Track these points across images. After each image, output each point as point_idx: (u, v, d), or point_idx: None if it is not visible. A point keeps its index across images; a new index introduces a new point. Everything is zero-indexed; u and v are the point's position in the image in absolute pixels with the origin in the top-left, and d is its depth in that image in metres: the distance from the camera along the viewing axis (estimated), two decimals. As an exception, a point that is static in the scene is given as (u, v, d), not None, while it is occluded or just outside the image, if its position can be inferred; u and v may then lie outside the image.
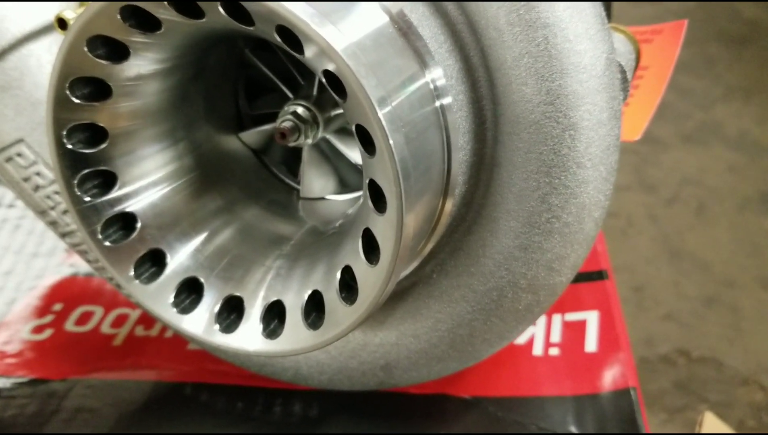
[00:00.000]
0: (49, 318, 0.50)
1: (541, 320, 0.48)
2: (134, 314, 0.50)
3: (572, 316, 0.48)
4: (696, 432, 0.58)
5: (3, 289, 0.52)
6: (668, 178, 1.18)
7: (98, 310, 0.51)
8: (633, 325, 0.92)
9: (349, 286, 0.32)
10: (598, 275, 0.51)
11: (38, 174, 0.41)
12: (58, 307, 0.51)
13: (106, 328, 0.49)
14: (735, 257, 1.04)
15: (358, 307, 0.32)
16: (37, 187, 0.41)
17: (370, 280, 0.31)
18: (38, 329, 0.49)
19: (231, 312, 0.35)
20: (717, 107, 1.30)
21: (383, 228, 0.30)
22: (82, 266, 0.54)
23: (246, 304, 0.35)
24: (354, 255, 0.32)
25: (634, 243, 1.07)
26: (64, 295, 0.52)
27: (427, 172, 0.31)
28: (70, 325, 0.50)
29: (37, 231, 0.56)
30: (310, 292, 0.33)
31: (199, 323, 0.35)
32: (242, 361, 0.44)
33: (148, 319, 0.50)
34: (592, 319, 0.48)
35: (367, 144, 0.28)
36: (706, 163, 1.22)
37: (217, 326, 0.35)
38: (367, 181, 0.30)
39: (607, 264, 0.52)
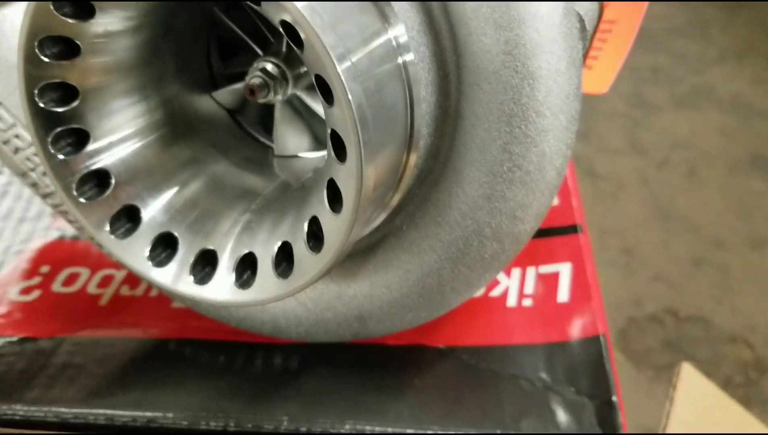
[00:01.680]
0: (36, 280, 0.51)
1: (516, 273, 0.50)
2: (119, 275, 0.52)
3: (546, 269, 0.49)
4: (673, 383, 0.59)
5: (-9, 253, 0.53)
6: (660, 142, 1.18)
7: (84, 272, 0.52)
8: (622, 286, 0.94)
9: (316, 236, 0.33)
10: (572, 229, 0.52)
11: (17, 136, 0.42)
12: (45, 269, 0.52)
13: (92, 289, 0.51)
14: (724, 219, 1.05)
15: (324, 255, 0.33)
16: (16, 150, 0.42)
17: (335, 228, 0.32)
18: (26, 290, 0.50)
19: (205, 265, 0.37)
20: (710, 70, 1.30)
21: (345, 177, 0.31)
22: (68, 230, 0.55)
23: (219, 256, 0.36)
24: (320, 205, 0.33)
25: (625, 206, 1.08)
26: (51, 258, 0.53)
27: (388, 123, 0.32)
28: (57, 286, 0.51)
29: (24, 196, 0.57)
30: (279, 243, 0.35)
31: (174, 276, 0.37)
32: (223, 316, 0.45)
33: (133, 279, 0.51)
34: (564, 271, 0.49)
35: (327, 94, 0.29)
36: (698, 127, 1.22)
37: (191, 278, 0.36)
38: (329, 132, 0.31)
39: (581, 218, 0.53)
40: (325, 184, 0.32)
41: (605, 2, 0.42)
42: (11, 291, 0.50)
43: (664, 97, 1.25)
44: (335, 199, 0.32)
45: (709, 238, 1.01)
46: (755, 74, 1.26)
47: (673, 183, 1.10)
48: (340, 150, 0.30)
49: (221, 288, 0.36)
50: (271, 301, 0.35)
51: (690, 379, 0.59)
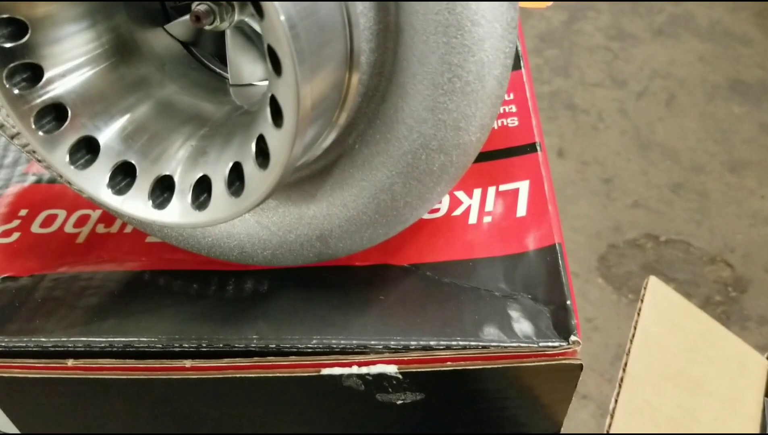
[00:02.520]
0: (15, 223, 0.53)
1: (477, 193, 0.51)
2: (95, 214, 0.53)
3: (505, 187, 0.51)
4: (641, 295, 0.61)
5: (-31, 200, 0.54)
6: (639, 73, 1.18)
7: (61, 213, 0.53)
8: (602, 214, 0.95)
9: (263, 153, 0.35)
10: (531, 148, 0.53)
11: (-22, 78, 0.43)
12: (23, 212, 0.54)
13: (69, 228, 0.52)
14: (703, 144, 1.06)
15: (271, 170, 0.34)
16: (-21, 92, 0.43)
17: (279, 143, 0.33)
18: (6, 233, 0.52)
19: (163, 190, 0.38)
20: (689, -2, 1.30)
21: (283, 91, 0.32)
22: (45, 175, 0.56)
23: (176, 181, 0.38)
24: (265, 123, 0.34)
25: (605, 137, 1.09)
26: (29, 201, 0.55)
27: (323, 36, 0.33)
28: (35, 228, 0.52)
29: (-2, 145, 0.58)
30: (231, 163, 0.36)
31: (134, 202, 0.38)
32: (192, 245, 0.47)
33: (108, 217, 0.53)
34: (523, 187, 0.50)
35: (258, 8, 0.30)
36: (677, 56, 1.22)
37: (150, 203, 0.38)
38: (266, 48, 0.32)
39: (540, 137, 0.54)
40: (268, 101, 0.33)
41: None
42: (-9, 235, 0.52)
43: (643, 28, 1.25)
44: (277, 115, 0.33)
45: (688, 163, 1.02)
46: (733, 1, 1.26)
47: (652, 112, 1.11)
48: (275, 64, 0.31)
49: (179, 211, 0.37)
50: (226, 220, 0.36)
51: (657, 291, 0.61)
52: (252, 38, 0.42)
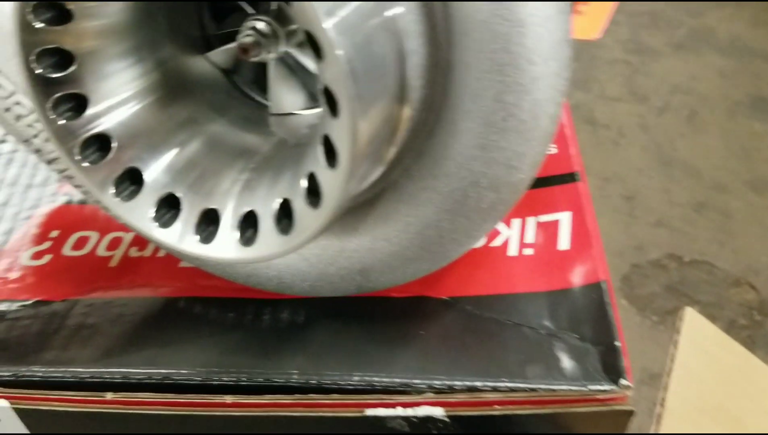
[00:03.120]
0: (47, 244, 0.52)
1: (516, 223, 0.50)
2: (128, 237, 0.53)
3: (545, 218, 0.50)
4: (677, 327, 0.60)
5: (1, 220, 0.54)
6: (660, 88, 1.18)
7: (93, 235, 0.53)
8: (625, 232, 0.95)
9: (314, 192, 0.34)
10: (571, 177, 0.52)
11: (18, 103, 0.42)
12: (55, 233, 0.53)
13: (101, 251, 0.52)
14: (725, 162, 1.05)
15: (323, 210, 0.33)
16: (18, 117, 0.43)
17: (332, 183, 0.33)
18: (37, 255, 0.52)
19: (208, 224, 0.38)
20: (709, 13, 1.29)
21: (339, 132, 0.31)
22: (75, 195, 0.56)
23: (221, 215, 0.37)
24: (316, 161, 0.33)
25: (626, 153, 1.08)
26: (60, 223, 0.54)
27: (380, 76, 0.33)
28: (67, 250, 0.52)
29: (29, 163, 0.58)
30: (280, 200, 0.35)
31: (179, 235, 0.38)
32: (229, 274, 0.46)
33: (141, 240, 0.52)
34: (564, 219, 0.50)
35: (317, 49, 0.30)
36: (698, 71, 1.22)
37: (197, 238, 0.37)
38: (322, 88, 0.31)
39: (579, 166, 0.53)
40: (321, 140, 0.33)
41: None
42: (23, 256, 0.51)
43: (663, 42, 1.24)
44: (330, 155, 0.32)
45: (710, 182, 1.01)
46: (754, 16, 1.24)
47: (673, 128, 1.10)
48: (332, 105, 0.31)
49: (225, 246, 0.37)
50: (274, 258, 0.36)
51: (693, 323, 0.60)
52: (293, 68, 0.42)
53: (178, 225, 0.38)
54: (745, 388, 0.53)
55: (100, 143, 0.37)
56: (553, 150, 0.55)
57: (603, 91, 1.17)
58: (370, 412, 0.40)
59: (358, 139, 0.31)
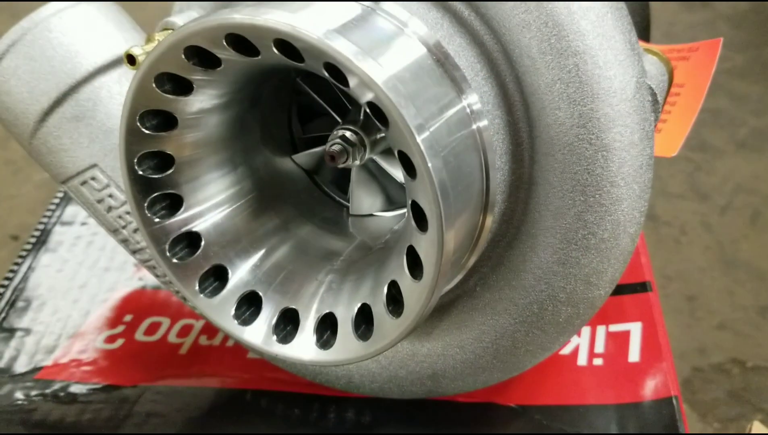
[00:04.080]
0: (120, 328, 0.54)
1: (586, 331, 0.50)
2: (198, 324, 0.54)
3: (616, 328, 0.50)
4: (746, 442, 0.58)
5: (78, 302, 0.56)
6: (722, 186, 1.16)
7: (165, 321, 0.54)
8: (686, 334, 0.92)
9: (395, 300, 0.35)
10: (642, 287, 0.52)
11: (111, 196, 0.45)
12: (128, 317, 0.55)
13: (172, 338, 0.53)
14: (792, 266, 1.03)
15: (404, 320, 0.34)
16: (109, 208, 0.45)
17: (415, 294, 0.33)
18: (111, 339, 0.53)
19: (287, 323, 0.38)
20: (773, 112, 1.29)
21: (426, 246, 0.32)
22: (149, 280, 0.58)
23: (301, 316, 0.38)
24: (399, 271, 0.34)
25: (688, 252, 1.06)
26: (134, 307, 0.55)
27: (466, 192, 0.33)
28: (139, 335, 0.53)
29: (108, 247, 0.60)
30: (359, 305, 0.36)
31: (258, 334, 0.38)
32: (298, 370, 0.47)
33: (211, 329, 0.53)
34: (635, 330, 0.49)
35: (409, 168, 0.31)
36: (761, 170, 1.20)
37: (274, 337, 0.38)
38: (410, 203, 0.32)
39: (650, 276, 0.53)
40: (405, 251, 0.33)
41: (674, 67, 0.42)
42: (97, 339, 0.53)
43: (725, 140, 1.23)
44: (415, 266, 0.33)
45: (776, 285, 0.99)
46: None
47: (736, 228, 1.08)
48: (421, 221, 0.32)
49: (303, 347, 0.37)
50: (352, 363, 0.36)
51: (762, 438, 0.58)
52: (375, 173, 0.43)
53: (257, 323, 0.38)
54: None
55: (189, 240, 0.38)
56: (623, 258, 0.54)
57: (664, 188, 1.16)
58: None
59: (446, 254, 0.31)
